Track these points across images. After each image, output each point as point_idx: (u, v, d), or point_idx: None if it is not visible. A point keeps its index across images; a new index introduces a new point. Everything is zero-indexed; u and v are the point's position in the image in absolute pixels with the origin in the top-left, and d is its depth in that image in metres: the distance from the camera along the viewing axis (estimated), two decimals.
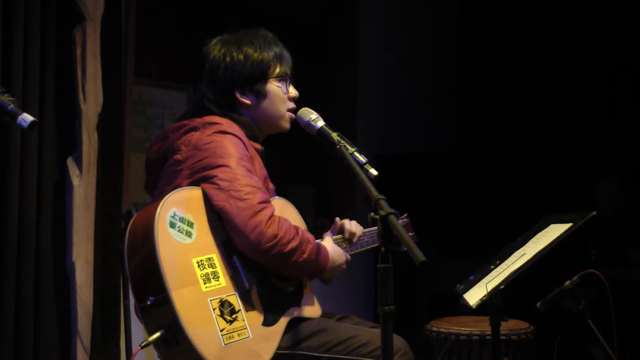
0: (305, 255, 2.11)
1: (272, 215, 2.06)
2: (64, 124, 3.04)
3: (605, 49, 5.32)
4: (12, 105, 1.98)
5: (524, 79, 5.63)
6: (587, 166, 5.20)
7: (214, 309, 1.98)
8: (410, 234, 2.72)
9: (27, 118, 1.96)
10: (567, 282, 2.53)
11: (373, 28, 5.42)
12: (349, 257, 2.36)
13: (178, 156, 2.18)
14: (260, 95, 2.31)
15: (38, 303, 2.90)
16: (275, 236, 2.03)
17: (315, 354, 2.15)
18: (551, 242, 2.34)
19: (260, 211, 2.03)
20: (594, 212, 2.37)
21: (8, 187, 2.80)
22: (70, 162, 3.04)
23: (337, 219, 2.48)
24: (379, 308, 1.72)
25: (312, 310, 2.26)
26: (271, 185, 2.43)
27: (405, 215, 2.73)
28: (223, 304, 2.01)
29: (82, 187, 3.04)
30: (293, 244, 2.07)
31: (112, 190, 3.22)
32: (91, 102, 3.06)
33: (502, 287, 2.28)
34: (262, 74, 2.30)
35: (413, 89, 5.73)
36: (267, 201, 2.08)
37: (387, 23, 5.57)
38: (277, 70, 2.33)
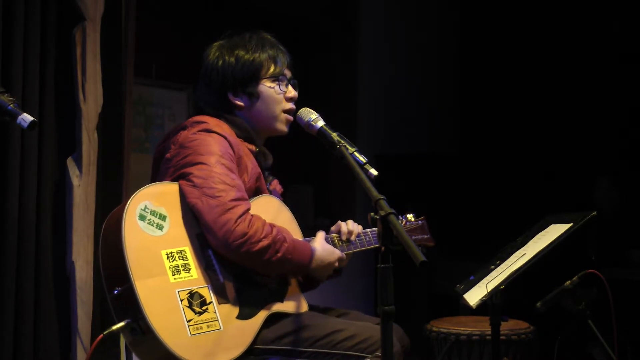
0: (279, 255, 2.11)
1: (243, 214, 2.06)
2: (64, 124, 3.04)
3: (605, 49, 5.32)
4: (12, 105, 1.99)
5: (524, 79, 5.63)
6: (587, 166, 5.19)
7: (181, 300, 1.99)
8: (426, 236, 2.71)
9: (27, 118, 1.97)
10: (567, 282, 2.53)
11: (373, 28, 5.42)
12: (343, 255, 2.35)
13: (167, 155, 2.21)
14: (253, 96, 2.33)
15: (38, 303, 2.90)
16: (244, 234, 2.04)
17: (299, 349, 2.15)
18: (551, 242, 2.34)
19: (230, 209, 2.04)
20: (594, 212, 2.36)
21: (8, 187, 2.80)
22: (70, 162, 3.04)
23: (339, 221, 2.48)
24: (379, 308, 1.71)
25: (296, 305, 2.25)
26: (279, 188, 2.45)
27: (423, 217, 2.73)
28: (192, 295, 2.02)
29: (82, 187, 3.04)
30: (264, 243, 2.07)
31: (112, 190, 3.22)
32: (91, 102, 3.06)
33: (502, 287, 2.28)
34: (253, 75, 2.32)
35: (413, 89, 5.73)
36: (240, 199, 2.09)
37: (387, 23, 5.57)
38: (271, 70, 2.34)
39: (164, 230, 2.06)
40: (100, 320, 3.12)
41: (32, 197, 2.88)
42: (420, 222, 2.72)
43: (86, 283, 3.03)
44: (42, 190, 2.93)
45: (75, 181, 3.02)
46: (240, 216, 2.05)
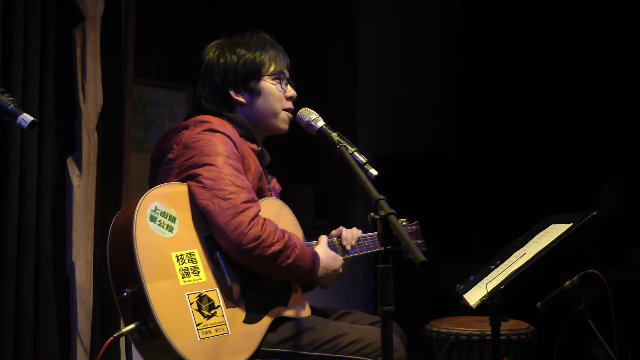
0: (290, 260, 2.10)
1: (255, 216, 2.05)
2: (64, 124, 3.04)
3: (606, 48, 5.32)
4: (12, 105, 1.99)
5: (525, 78, 5.63)
6: (587, 166, 5.19)
7: (191, 303, 1.99)
8: (420, 240, 2.72)
9: (27, 118, 1.97)
10: (567, 282, 2.53)
11: (373, 28, 5.42)
12: (342, 260, 2.36)
13: (170, 155, 2.20)
14: (254, 92, 2.33)
15: (38, 303, 2.90)
16: (257, 237, 2.03)
17: (304, 352, 2.14)
18: (551, 242, 2.34)
19: (243, 211, 2.03)
20: (594, 212, 2.37)
21: (8, 187, 2.80)
22: (70, 162, 3.03)
23: (341, 227, 2.48)
24: (379, 308, 1.71)
25: (300, 310, 2.25)
26: (277, 186, 2.45)
27: (416, 222, 2.73)
28: (202, 298, 2.01)
29: (82, 187, 3.04)
30: (276, 247, 2.07)
31: (112, 190, 3.22)
32: (91, 102, 3.06)
33: (502, 287, 2.28)
34: (254, 72, 2.33)
35: (413, 89, 5.73)
36: (251, 201, 2.08)
37: (387, 23, 5.57)
38: (272, 68, 2.35)
39: (174, 232, 2.04)
40: (100, 320, 3.12)
41: (32, 197, 2.88)
42: (414, 226, 2.73)
43: (86, 283, 3.03)
44: (42, 190, 2.93)
45: (75, 181, 3.02)
46: (252, 219, 2.03)
